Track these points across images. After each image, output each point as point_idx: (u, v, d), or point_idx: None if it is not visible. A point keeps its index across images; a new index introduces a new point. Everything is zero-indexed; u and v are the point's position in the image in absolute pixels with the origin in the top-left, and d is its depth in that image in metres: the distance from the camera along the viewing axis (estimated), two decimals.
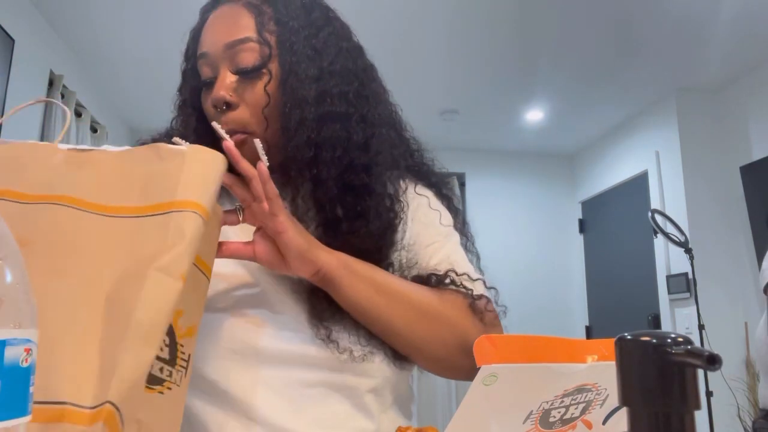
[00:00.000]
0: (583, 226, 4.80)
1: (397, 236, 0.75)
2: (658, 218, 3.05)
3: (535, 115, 4.14)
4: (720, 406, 2.65)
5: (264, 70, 0.70)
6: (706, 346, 2.13)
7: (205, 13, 0.76)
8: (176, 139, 0.57)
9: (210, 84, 0.72)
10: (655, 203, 3.77)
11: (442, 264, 0.75)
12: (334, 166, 0.69)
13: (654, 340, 0.31)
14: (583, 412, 0.44)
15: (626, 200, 4.21)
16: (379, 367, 0.70)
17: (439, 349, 0.70)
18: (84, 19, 2.94)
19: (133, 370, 0.40)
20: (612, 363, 0.42)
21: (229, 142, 0.60)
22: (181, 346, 0.50)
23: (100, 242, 0.47)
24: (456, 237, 0.81)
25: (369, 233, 0.70)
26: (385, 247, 0.73)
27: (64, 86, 3.07)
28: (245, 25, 0.71)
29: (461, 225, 0.85)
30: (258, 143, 0.62)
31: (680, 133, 3.64)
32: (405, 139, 0.85)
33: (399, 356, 0.72)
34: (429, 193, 0.83)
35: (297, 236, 0.64)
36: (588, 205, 4.76)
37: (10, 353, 0.25)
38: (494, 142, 4.67)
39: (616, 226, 4.34)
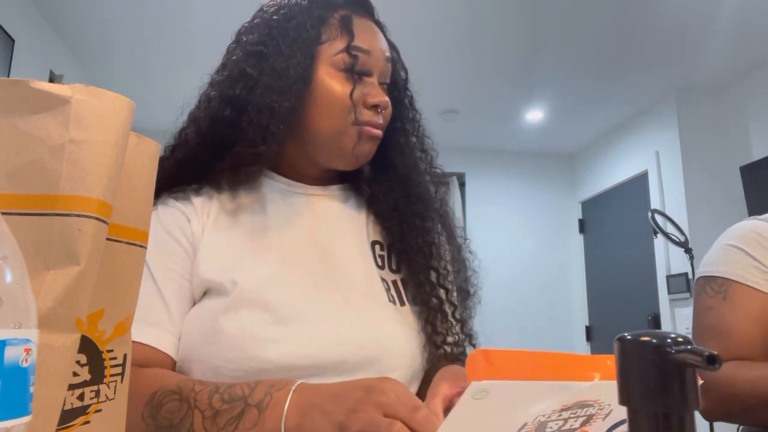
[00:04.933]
0: (583, 226, 4.80)
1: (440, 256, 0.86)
2: (658, 218, 3.05)
3: (535, 115, 4.14)
4: None
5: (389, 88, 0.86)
6: None
7: (339, 10, 0.83)
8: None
9: (366, 74, 0.82)
10: (655, 203, 3.77)
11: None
12: (424, 198, 0.87)
13: (654, 340, 0.31)
14: (583, 424, 0.43)
15: (626, 200, 4.21)
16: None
17: None
18: (84, 20, 2.94)
19: None
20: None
21: None
22: (110, 352, 0.40)
23: None
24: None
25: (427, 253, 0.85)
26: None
27: None
28: (388, 46, 0.87)
29: (457, 234, 0.93)
30: None
31: (680, 133, 3.64)
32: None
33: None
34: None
35: None
36: (588, 205, 4.76)
37: (10, 353, 0.25)
38: (494, 142, 4.66)
39: (616, 226, 4.33)
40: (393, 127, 0.87)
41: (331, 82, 0.80)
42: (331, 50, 0.80)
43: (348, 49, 0.80)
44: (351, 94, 0.80)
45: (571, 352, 0.40)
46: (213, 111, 0.80)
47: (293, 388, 0.57)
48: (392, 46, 0.89)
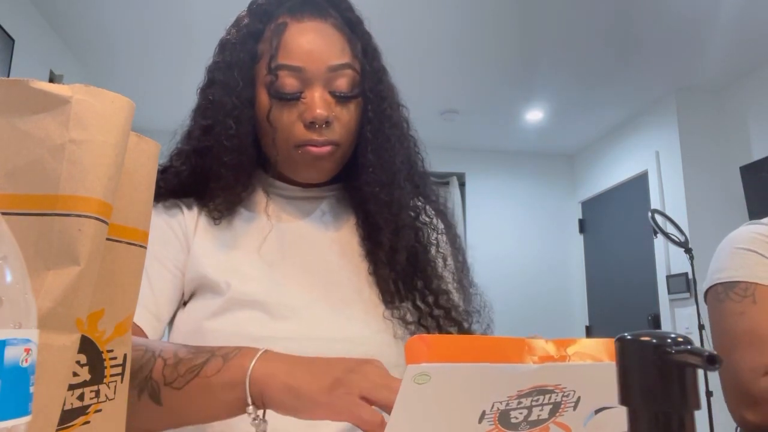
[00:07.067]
0: (583, 226, 4.80)
1: (431, 268, 0.82)
2: (658, 218, 3.05)
3: (535, 115, 4.13)
4: (720, 406, 2.64)
5: (356, 98, 0.78)
6: (706, 346, 2.12)
7: (278, 18, 0.76)
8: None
9: (294, 98, 0.75)
10: (655, 203, 3.77)
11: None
12: (405, 207, 0.80)
13: (654, 340, 0.31)
14: (552, 414, 0.42)
15: (626, 200, 4.21)
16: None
17: None
18: (84, 19, 2.93)
19: None
20: (569, 364, 0.41)
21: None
22: (110, 352, 0.40)
23: None
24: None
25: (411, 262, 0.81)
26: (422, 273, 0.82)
27: None
28: (343, 50, 0.77)
29: (455, 233, 0.89)
30: None
31: (680, 133, 3.64)
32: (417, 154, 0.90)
33: None
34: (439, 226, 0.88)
35: None
36: (588, 205, 4.75)
37: (10, 353, 0.25)
38: (494, 142, 4.66)
39: (616, 226, 4.33)
40: (369, 127, 0.81)
41: (264, 106, 0.76)
42: (264, 69, 0.75)
43: (269, 69, 0.74)
44: (268, 117, 0.75)
45: (509, 336, 0.40)
46: (193, 144, 0.80)
47: (265, 348, 0.56)
48: (363, 38, 0.81)
